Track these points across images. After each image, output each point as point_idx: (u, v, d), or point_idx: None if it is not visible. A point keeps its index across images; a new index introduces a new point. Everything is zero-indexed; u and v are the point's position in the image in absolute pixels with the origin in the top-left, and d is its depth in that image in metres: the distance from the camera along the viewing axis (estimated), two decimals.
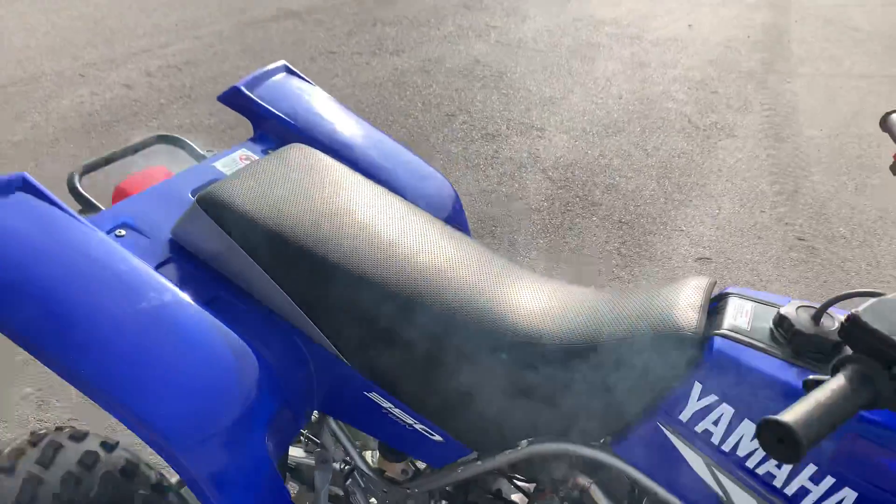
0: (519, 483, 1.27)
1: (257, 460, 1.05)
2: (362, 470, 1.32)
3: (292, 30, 5.09)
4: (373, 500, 1.35)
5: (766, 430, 0.62)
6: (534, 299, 1.12)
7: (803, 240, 3.18)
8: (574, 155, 3.80)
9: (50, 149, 3.31)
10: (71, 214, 1.15)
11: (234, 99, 1.57)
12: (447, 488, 1.25)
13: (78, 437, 1.27)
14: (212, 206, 1.19)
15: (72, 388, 2.05)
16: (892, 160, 1.11)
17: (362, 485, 1.34)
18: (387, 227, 1.21)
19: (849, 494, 0.86)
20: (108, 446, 1.26)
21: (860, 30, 6.93)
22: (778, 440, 0.61)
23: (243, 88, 1.57)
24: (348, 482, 1.35)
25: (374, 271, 1.12)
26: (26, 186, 1.15)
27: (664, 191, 3.51)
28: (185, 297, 1.10)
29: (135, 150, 1.48)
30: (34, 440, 1.25)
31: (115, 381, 0.99)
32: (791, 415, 0.61)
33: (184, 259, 1.22)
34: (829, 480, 0.87)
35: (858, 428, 0.84)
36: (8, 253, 1.05)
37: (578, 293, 1.13)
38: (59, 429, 1.30)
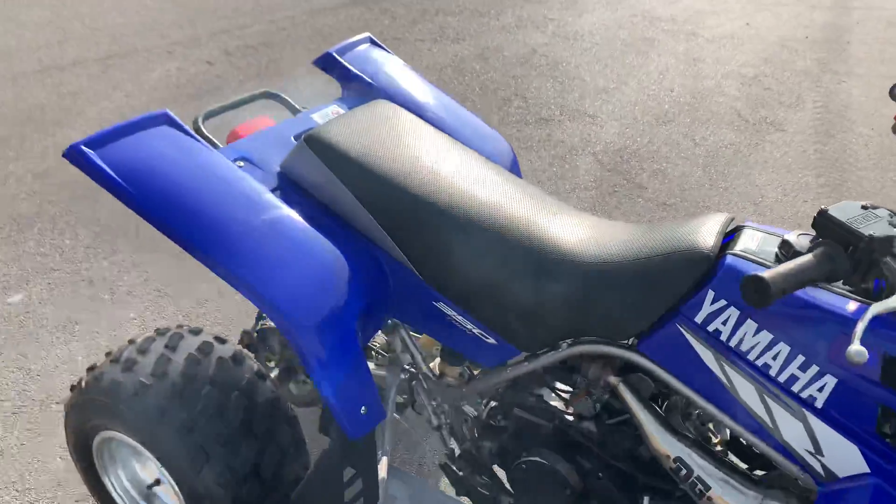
0: (558, 390, 1.49)
1: (349, 342, 1.31)
2: (426, 374, 1.57)
3: (359, 17, 5.38)
4: (433, 402, 1.59)
5: (748, 282, 0.84)
6: (578, 228, 1.34)
7: None
8: (624, 141, 3.98)
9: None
10: (204, 144, 1.42)
11: (326, 62, 1.83)
12: (497, 389, 1.48)
13: (195, 331, 1.55)
14: (316, 144, 1.44)
15: (169, 312, 2.35)
16: (894, 121, 1.30)
17: (425, 387, 1.58)
18: (458, 168, 1.45)
19: (829, 381, 1.07)
20: (220, 340, 1.53)
21: None
22: (755, 290, 0.83)
23: (335, 54, 1.83)
24: (413, 384, 1.60)
25: (447, 202, 1.36)
26: (168, 121, 1.43)
27: (709, 178, 3.67)
28: (295, 214, 1.36)
29: (245, 102, 1.75)
30: (161, 332, 1.54)
31: (248, 272, 1.26)
32: (767, 273, 0.82)
33: (290, 188, 1.47)
34: (813, 369, 1.08)
35: (843, 327, 1.03)
36: (159, 169, 1.33)
37: (616, 225, 1.35)
38: (179, 326, 1.57)
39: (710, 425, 1.36)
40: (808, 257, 0.89)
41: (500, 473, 1.53)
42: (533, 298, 1.30)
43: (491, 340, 1.40)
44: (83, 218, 2.84)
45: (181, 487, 1.42)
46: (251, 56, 4.41)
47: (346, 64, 1.81)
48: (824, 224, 0.93)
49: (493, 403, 1.53)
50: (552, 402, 1.48)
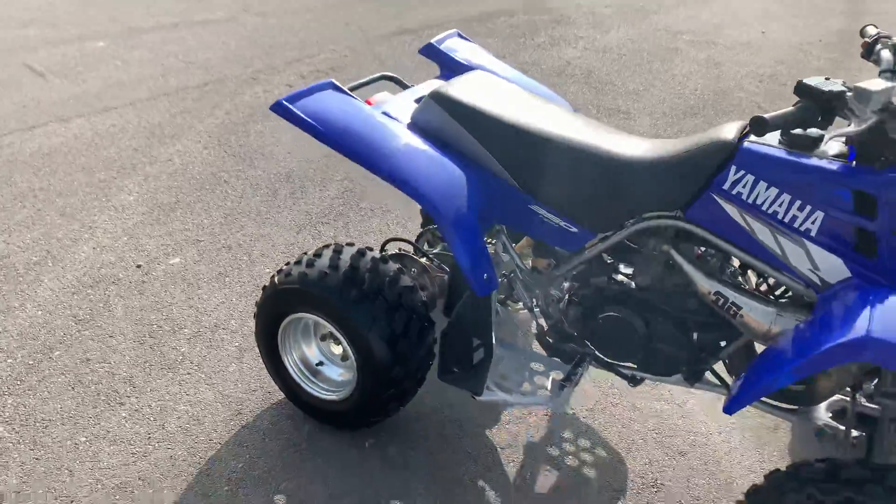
0: (620, 271, 2.00)
1: (475, 230, 1.85)
2: (521, 268, 2.09)
3: (410, 43, 6.02)
4: (527, 290, 2.10)
5: (755, 119, 1.36)
6: (635, 140, 1.87)
7: None
8: (656, 131, 4.51)
9: (243, 128, 4.28)
10: (361, 101, 1.99)
11: (428, 51, 2.41)
12: (578, 271, 1.99)
13: (350, 244, 2.10)
14: (440, 99, 2.00)
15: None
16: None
17: (521, 278, 2.10)
18: (545, 110, 2.00)
19: (819, 215, 1.56)
20: (369, 249, 2.08)
21: None
22: (758, 124, 1.35)
23: (434, 44, 2.40)
24: (511, 276, 2.11)
25: (541, 131, 1.89)
26: (334, 86, 2.01)
27: None
28: (431, 147, 1.91)
29: (373, 80, 2.33)
30: (325, 245, 2.09)
31: (413, 181, 1.81)
32: (766, 115, 1.35)
33: (421, 132, 2.01)
34: (807, 209, 1.57)
35: (823, 175, 1.53)
36: (338, 115, 1.91)
37: (659, 140, 1.87)
38: (336, 243, 2.12)
39: (739, 278, 1.85)
40: (791, 108, 1.41)
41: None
42: (607, 191, 1.82)
43: (574, 229, 1.92)
44: (213, 204, 3.44)
45: (355, 346, 1.95)
46: (323, 78, 5.05)
47: (443, 50, 2.38)
48: (800, 88, 1.45)
49: (575, 284, 2.04)
50: (619, 278, 1.99)
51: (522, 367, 2.10)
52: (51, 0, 6.90)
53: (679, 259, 1.81)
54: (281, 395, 2.32)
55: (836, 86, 1.45)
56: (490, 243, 2.12)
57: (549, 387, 2.00)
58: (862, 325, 1.37)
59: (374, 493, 2.04)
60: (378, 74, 2.40)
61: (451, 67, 2.38)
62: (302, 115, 1.89)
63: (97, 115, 4.34)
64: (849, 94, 1.44)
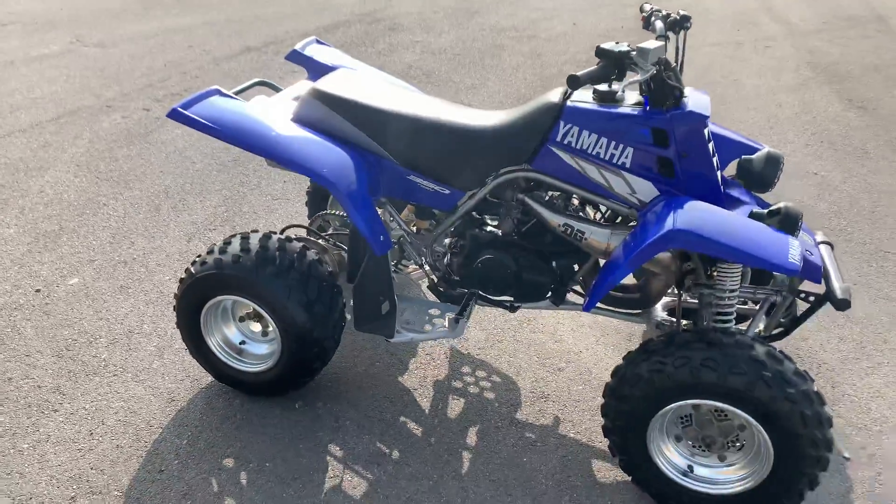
0: (489, 221, 2.43)
1: (367, 199, 2.21)
2: (408, 232, 2.47)
3: (256, 59, 6.23)
4: (416, 250, 2.49)
5: (569, 78, 1.82)
6: (483, 114, 2.30)
7: None
8: None
9: (109, 153, 4.34)
10: (248, 103, 2.29)
11: (294, 56, 2.73)
12: (455, 227, 2.40)
13: (255, 231, 2.38)
14: (318, 94, 2.33)
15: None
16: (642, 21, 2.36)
17: (409, 241, 2.48)
18: (409, 95, 2.40)
19: (630, 150, 2.06)
20: (272, 234, 2.37)
21: (712, 11, 8.47)
22: (572, 80, 1.82)
23: (298, 48, 2.74)
24: (401, 240, 2.49)
25: (410, 113, 2.28)
26: (219, 93, 2.29)
27: None
28: (318, 136, 2.25)
29: (250, 87, 2.62)
30: (234, 234, 2.35)
31: (310, 163, 2.13)
32: (578, 73, 1.82)
33: (311, 127, 2.34)
34: (621, 147, 2.07)
35: (629, 120, 2.03)
36: (231, 114, 2.19)
37: (503, 110, 2.32)
38: (241, 232, 2.39)
39: (580, 212, 2.34)
40: (595, 67, 1.90)
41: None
42: (468, 155, 2.24)
43: (446, 191, 2.32)
44: (98, 226, 3.54)
45: (277, 316, 2.24)
46: (178, 100, 5.16)
47: (307, 54, 2.72)
48: (599, 51, 1.95)
49: (454, 238, 2.45)
50: (488, 228, 2.42)
51: (422, 312, 2.49)
52: None
53: (531, 203, 2.27)
54: (209, 380, 2.55)
55: (623, 47, 1.96)
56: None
57: (446, 324, 2.40)
58: (669, 222, 1.89)
59: (314, 444, 2.34)
60: (253, 81, 2.70)
61: (316, 69, 2.72)
62: (198, 118, 2.16)
63: None
64: (633, 52, 1.95)
